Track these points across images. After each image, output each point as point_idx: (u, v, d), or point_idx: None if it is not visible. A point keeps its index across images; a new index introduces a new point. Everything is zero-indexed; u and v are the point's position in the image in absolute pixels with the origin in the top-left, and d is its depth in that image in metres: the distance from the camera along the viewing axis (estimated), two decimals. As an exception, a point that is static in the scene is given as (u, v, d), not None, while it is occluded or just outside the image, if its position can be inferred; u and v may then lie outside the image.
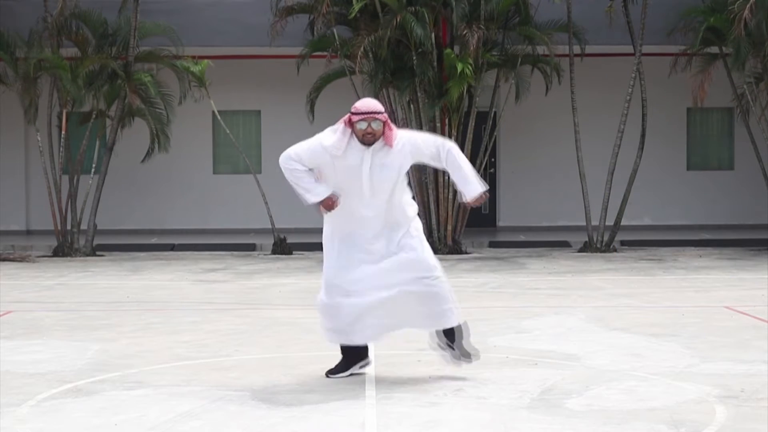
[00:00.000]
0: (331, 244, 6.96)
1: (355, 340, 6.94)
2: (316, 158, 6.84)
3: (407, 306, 6.86)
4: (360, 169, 6.75)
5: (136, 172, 19.42)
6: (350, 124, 6.77)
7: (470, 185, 6.86)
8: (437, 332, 7.00)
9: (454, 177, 6.97)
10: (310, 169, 6.87)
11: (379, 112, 6.72)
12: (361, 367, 7.05)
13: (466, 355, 6.97)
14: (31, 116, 16.77)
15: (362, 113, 6.72)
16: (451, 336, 6.94)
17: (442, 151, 6.88)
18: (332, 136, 6.83)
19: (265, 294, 12.00)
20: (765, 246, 17.38)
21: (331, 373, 7.02)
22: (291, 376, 7.08)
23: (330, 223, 6.99)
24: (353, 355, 7.03)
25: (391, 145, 6.77)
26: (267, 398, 6.42)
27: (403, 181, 6.96)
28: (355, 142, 6.78)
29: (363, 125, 6.72)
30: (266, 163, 20.22)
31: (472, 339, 7.08)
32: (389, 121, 6.82)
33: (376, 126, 6.71)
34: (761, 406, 6.16)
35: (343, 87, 17.42)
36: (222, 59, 18.68)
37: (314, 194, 6.81)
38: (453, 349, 6.96)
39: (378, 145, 6.77)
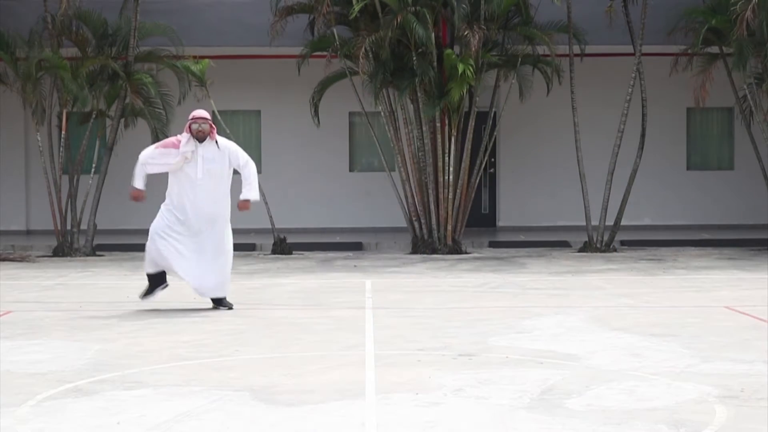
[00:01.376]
0: (166, 210, 10.46)
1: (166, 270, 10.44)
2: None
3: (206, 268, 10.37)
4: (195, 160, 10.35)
5: (136, 172, 19.39)
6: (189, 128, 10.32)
7: (247, 189, 10.62)
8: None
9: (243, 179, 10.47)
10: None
11: (206, 118, 10.35)
12: (162, 289, 10.48)
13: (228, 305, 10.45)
14: (38, 117, 16.77)
15: (195, 118, 10.33)
16: (218, 302, 10.47)
17: (244, 165, 10.47)
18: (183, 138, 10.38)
19: (265, 294, 12.00)
20: (765, 246, 17.38)
21: (143, 296, 10.47)
22: (291, 376, 7.08)
23: (173, 199, 10.48)
24: (157, 280, 10.44)
25: (213, 138, 10.34)
26: (267, 398, 6.42)
27: (228, 178, 10.42)
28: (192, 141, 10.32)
29: (195, 126, 10.29)
30: (266, 163, 20.22)
31: (474, 339, 7.06)
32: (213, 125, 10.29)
33: (205, 127, 10.33)
34: (761, 406, 6.16)
35: (344, 87, 17.43)
36: (222, 59, 18.66)
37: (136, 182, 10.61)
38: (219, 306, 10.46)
39: (207, 142, 10.34)
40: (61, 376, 7.13)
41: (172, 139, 10.50)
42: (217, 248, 10.45)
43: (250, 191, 10.47)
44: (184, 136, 10.30)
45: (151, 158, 10.53)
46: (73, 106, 16.95)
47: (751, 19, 15.47)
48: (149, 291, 10.49)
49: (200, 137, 10.26)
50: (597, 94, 19.92)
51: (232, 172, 10.51)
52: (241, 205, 10.53)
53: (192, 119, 10.27)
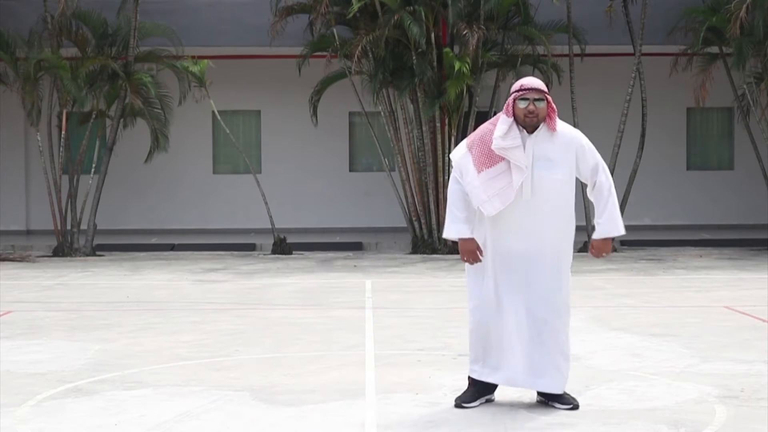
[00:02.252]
0: (475, 272, 6.15)
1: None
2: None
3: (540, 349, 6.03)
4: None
5: (136, 172, 19.42)
6: (512, 106, 6.04)
7: (603, 222, 6.13)
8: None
9: (597, 208, 6.18)
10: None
11: (544, 91, 6.06)
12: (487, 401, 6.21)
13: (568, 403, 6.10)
14: (33, 118, 16.77)
15: (525, 89, 6.04)
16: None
17: (600, 173, 6.09)
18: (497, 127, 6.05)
19: (265, 294, 11.99)
20: (765, 246, 17.38)
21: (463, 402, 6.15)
22: (291, 376, 7.08)
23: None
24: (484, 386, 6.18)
25: (554, 129, 6.06)
26: (267, 398, 6.42)
27: (572, 189, 6.14)
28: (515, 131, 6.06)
29: (523, 104, 6.02)
30: (266, 163, 20.23)
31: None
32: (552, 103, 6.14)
33: (540, 105, 6.01)
34: (761, 406, 6.16)
35: (343, 87, 17.43)
36: (222, 59, 18.67)
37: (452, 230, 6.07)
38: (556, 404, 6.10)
39: (542, 130, 6.06)
40: (61, 376, 7.13)
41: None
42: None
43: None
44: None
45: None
46: (73, 106, 16.96)
47: (744, 18, 15.47)
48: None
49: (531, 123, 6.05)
50: (597, 94, 19.91)
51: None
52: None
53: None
